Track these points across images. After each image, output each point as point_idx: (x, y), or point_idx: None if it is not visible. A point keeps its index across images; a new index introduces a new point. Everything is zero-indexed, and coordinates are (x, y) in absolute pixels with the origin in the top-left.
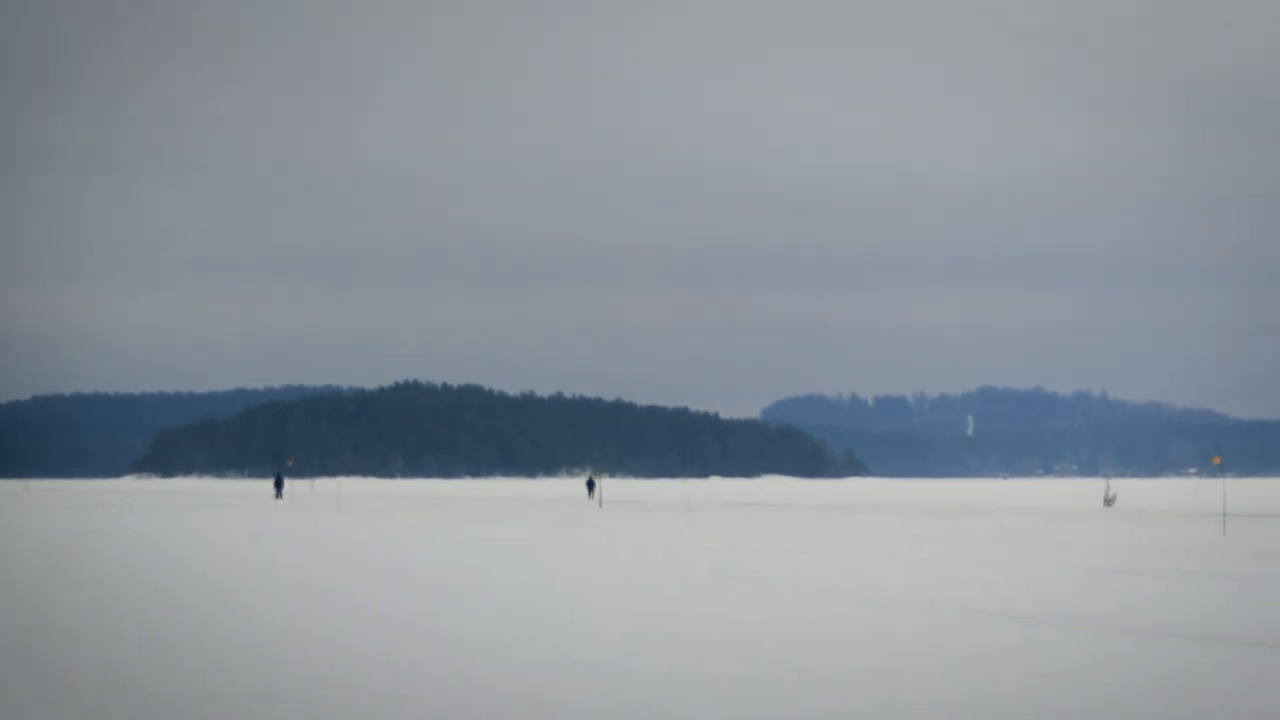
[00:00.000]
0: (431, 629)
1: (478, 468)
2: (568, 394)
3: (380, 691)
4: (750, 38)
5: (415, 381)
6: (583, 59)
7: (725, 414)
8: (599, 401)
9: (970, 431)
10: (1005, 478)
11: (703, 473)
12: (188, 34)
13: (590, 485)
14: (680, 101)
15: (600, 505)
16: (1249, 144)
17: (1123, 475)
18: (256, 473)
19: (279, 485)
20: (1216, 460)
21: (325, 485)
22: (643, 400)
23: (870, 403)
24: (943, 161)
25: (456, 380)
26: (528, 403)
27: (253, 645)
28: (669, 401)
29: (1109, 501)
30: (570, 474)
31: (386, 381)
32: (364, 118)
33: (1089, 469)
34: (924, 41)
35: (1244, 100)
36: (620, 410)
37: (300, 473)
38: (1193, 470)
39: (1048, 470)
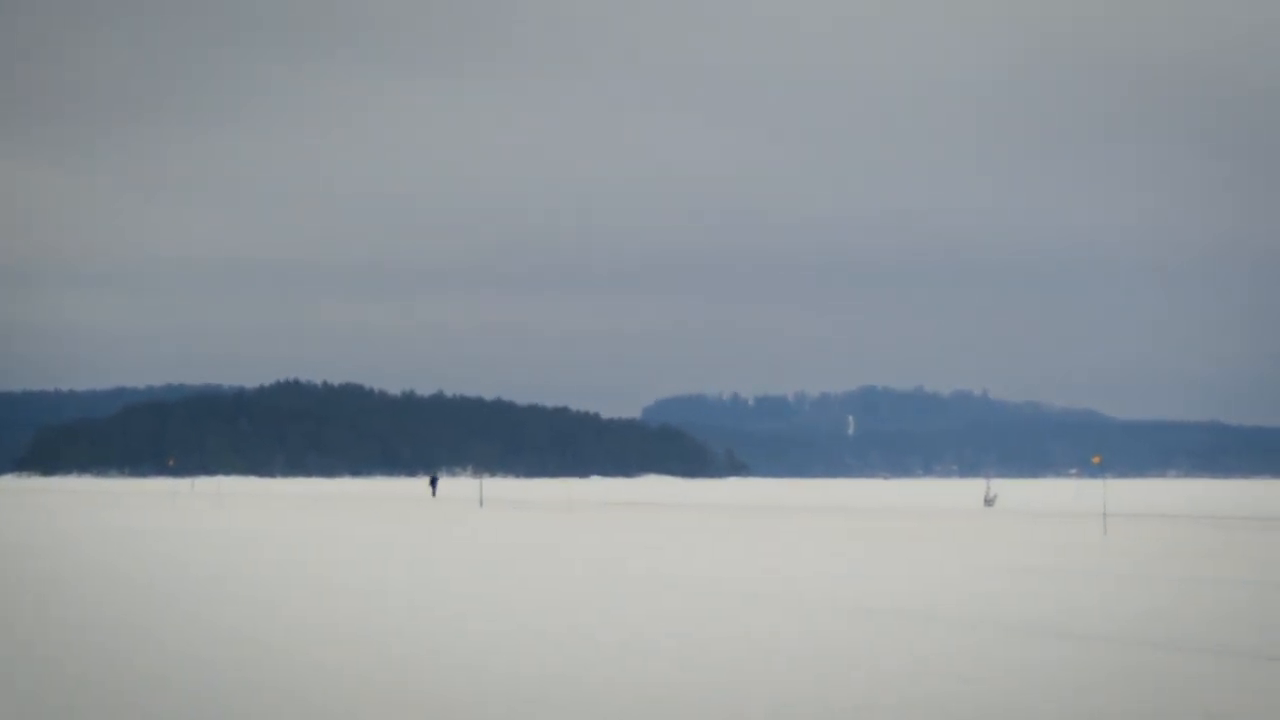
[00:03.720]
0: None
1: (358, 467)
2: (448, 393)
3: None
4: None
5: (296, 380)
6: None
7: (606, 414)
8: (480, 401)
9: (851, 431)
10: (885, 478)
11: (583, 472)
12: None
13: (434, 483)
14: (559, 105)
15: (481, 505)
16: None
17: (1003, 475)
18: (137, 471)
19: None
20: (1096, 460)
21: (205, 484)
22: (523, 400)
23: (751, 402)
24: (819, 159)
25: (337, 379)
26: (408, 402)
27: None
28: (550, 401)
29: (989, 502)
30: (451, 473)
31: (267, 380)
32: (251, 130)
33: (969, 469)
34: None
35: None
36: (501, 410)
37: (181, 472)
38: (1073, 470)
39: (928, 470)
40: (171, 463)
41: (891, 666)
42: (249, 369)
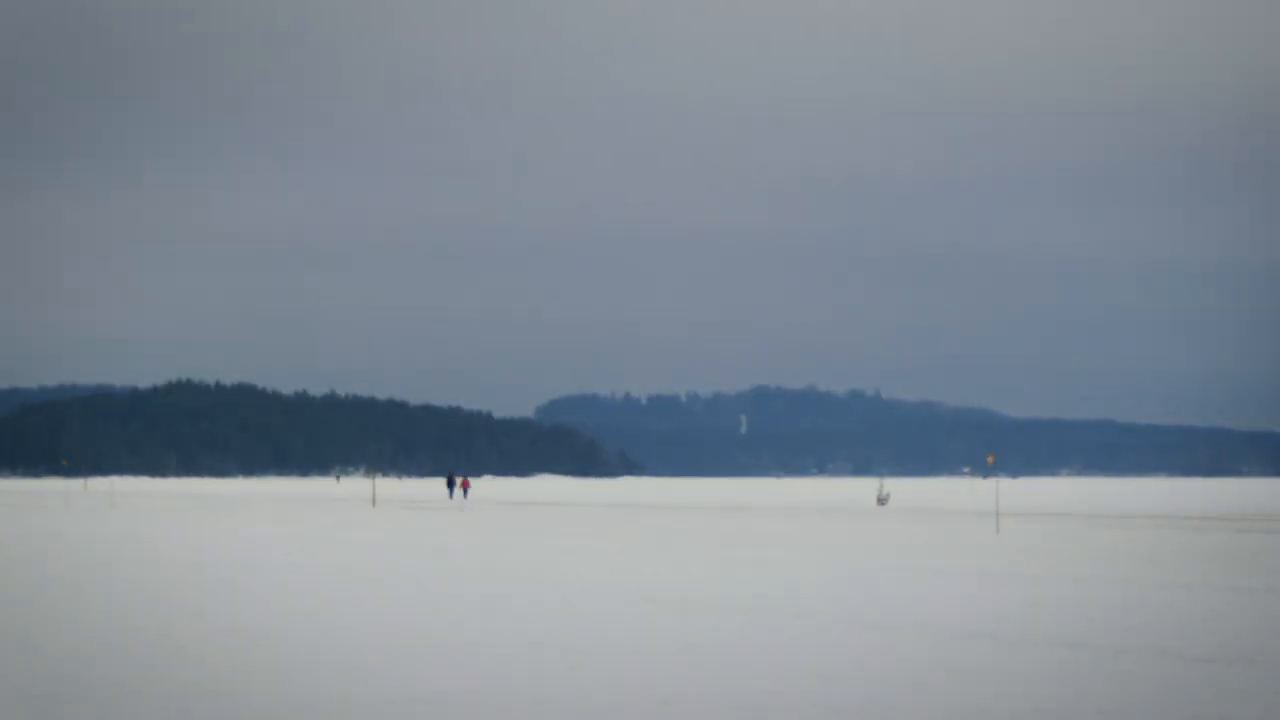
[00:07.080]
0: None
1: (251, 467)
2: (341, 393)
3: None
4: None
5: (188, 380)
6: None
7: (499, 413)
8: (372, 400)
9: (743, 430)
10: (779, 476)
11: (476, 472)
12: None
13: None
14: (474, 90)
15: (374, 504)
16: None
17: (896, 474)
18: (31, 472)
19: (450, 485)
20: (990, 459)
21: (98, 484)
22: (416, 399)
23: (644, 401)
24: (709, 162)
25: (230, 379)
26: (301, 402)
27: None
28: (442, 400)
29: (882, 501)
30: (344, 473)
31: (159, 380)
32: (148, 115)
33: (863, 468)
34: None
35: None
36: (393, 409)
37: (75, 472)
38: (966, 469)
39: (821, 469)
40: (65, 463)
41: (795, 666)
42: (141, 369)
